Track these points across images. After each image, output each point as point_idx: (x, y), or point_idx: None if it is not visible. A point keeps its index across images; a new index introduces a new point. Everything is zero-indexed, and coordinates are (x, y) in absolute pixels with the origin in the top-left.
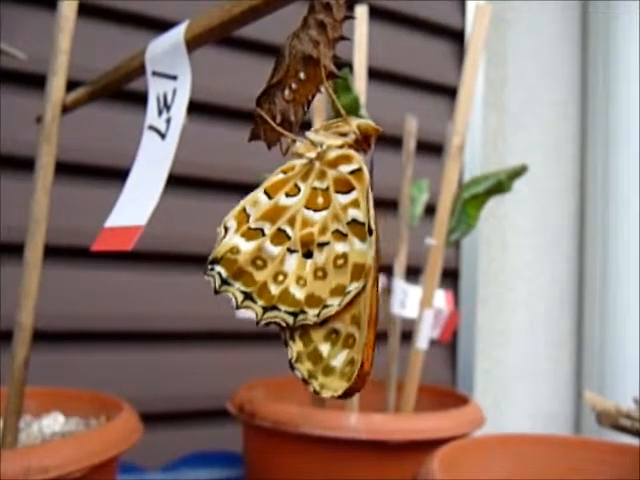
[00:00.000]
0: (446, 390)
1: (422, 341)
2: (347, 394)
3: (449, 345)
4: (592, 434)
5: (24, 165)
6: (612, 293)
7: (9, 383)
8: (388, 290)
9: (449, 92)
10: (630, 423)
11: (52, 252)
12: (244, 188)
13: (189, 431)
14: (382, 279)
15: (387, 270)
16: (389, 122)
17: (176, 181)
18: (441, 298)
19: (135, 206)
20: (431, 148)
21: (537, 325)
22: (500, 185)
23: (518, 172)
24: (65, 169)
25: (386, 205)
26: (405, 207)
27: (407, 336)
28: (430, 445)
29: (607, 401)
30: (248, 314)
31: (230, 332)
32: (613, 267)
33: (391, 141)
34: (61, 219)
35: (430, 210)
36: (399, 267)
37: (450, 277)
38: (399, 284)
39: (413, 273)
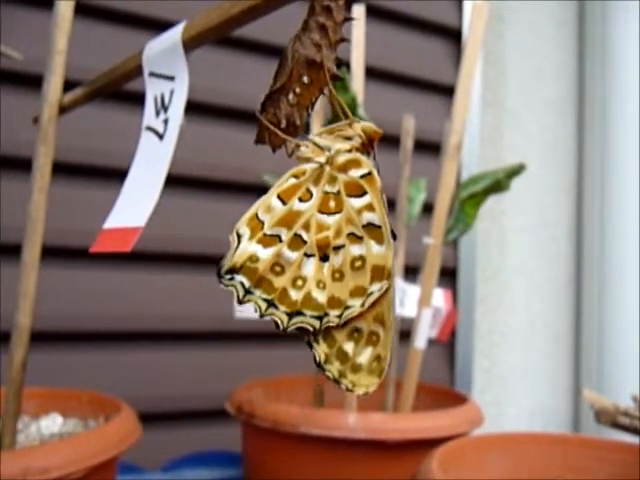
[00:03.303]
0: (445, 389)
1: (420, 340)
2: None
3: (447, 344)
4: (591, 432)
5: (22, 166)
6: (610, 291)
7: (7, 384)
8: None
9: (446, 91)
10: (628, 421)
11: (50, 253)
12: (244, 188)
13: (188, 431)
14: None
15: None
16: (387, 121)
17: (174, 182)
18: (439, 297)
19: (134, 207)
20: (429, 147)
21: (535, 323)
22: (498, 184)
23: (516, 171)
24: (63, 170)
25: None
26: (403, 206)
27: (405, 335)
28: (429, 444)
29: (605, 399)
30: (247, 314)
31: (229, 332)
32: (611, 265)
33: (388, 140)
34: (59, 220)
35: (428, 209)
36: (397, 266)
37: (448, 276)
38: (397, 283)
39: (411, 272)
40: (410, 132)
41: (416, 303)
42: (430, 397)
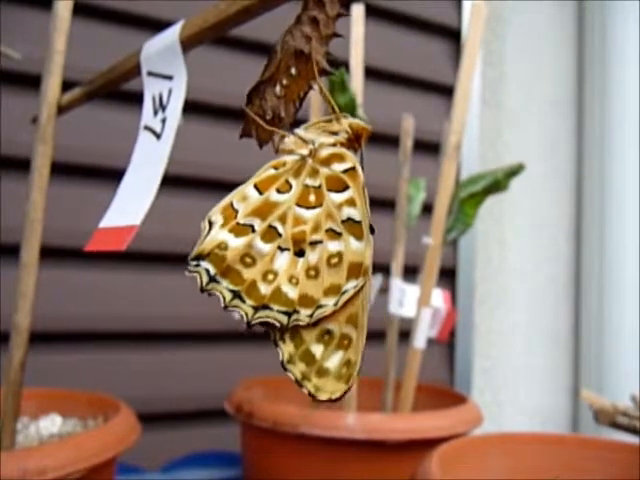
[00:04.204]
0: (444, 389)
1: (420, 340)
2: (338, 397)
3: (447, 344)
4: (590, 432)
5: (21, 166)
6: (609, 291)
7: (6, 385)
8: (385, 289)
9: (446, 91)
10: (627, 421)
11: (49, 253)
12: None
13: (187, 431)
14: (379, 278)
15: (385, 269)
16: (386, 121)
17: (171, 181)
18: (439, 297)
19: (130, 206)
20: (428, 147)
21: (534, 323)
22: (497, 184)
23: (515, 171)
24: (61, 169)
25: (383, 204)
26: (402, 206)
27: (405, 335)
28: (428, 444)
29: (604, 399)
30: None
31: (227, 332)
32: (610, 265)
33: (388, 140)
34: (58, 220)
35: (427, 209)
36: (396, 266)
37: (447, 276)
38: (397, 283)
39: (411, 272)
40: (409, 132)
41: (415, 303)
42: (429, 397)
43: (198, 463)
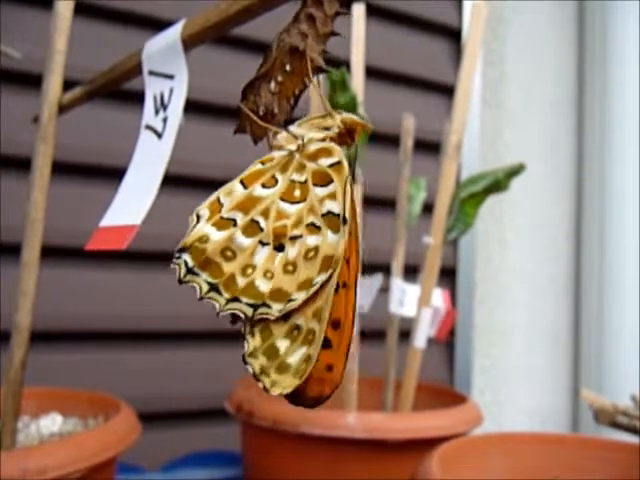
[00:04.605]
0: (444, 389)
1: (420, 340)
2: (315, 403)
3: (447, 344)
4: (590, 432)
5: (21, 165)
6: (609, 291)
7: (6, 384)
8: (386, 289)
9: (447, 91)
10: (627, 421)
11: (49, 252)
12: None
13: (187, 431)
14: (380, 278)
15: (385, 269)
16: (387, 121)
17: (172, 180)
18: (438, 297)
19: (130, 205)
20: (429, 147)
21: (535, 323)
22: (498, 184)
23: (516, 171)
24: (62, 169)
25: (384, 204)
26: (403, 206)
27: (405, 335)
28: (428, 444)
29: (604, 399)
30: None
31: (228, 332)
32: (611, 265)
33: (389, 139)
34: (59, 219)
35: (428, 209)
36: (397, 266)
37: (448, 276)
38: (397, 283)
39: (411, 272)
40: (410, 131)
41: (416, 303)
42: (429, 397)
43: (198, 463)
